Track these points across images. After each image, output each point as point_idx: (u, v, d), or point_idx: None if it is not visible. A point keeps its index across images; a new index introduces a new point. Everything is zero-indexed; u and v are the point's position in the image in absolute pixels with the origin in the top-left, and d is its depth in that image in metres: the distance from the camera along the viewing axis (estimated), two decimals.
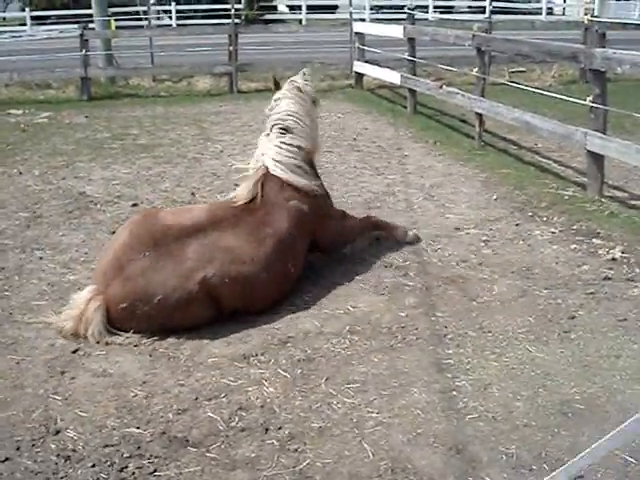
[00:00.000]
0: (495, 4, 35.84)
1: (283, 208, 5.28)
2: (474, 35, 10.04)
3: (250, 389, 4.07)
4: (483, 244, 6.29)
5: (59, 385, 4.14)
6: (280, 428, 3.70)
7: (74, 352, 4.50)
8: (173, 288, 4.61)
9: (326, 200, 5.90)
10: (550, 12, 47.33)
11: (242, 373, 4.24)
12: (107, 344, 4.58)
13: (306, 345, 4.53)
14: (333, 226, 5.81)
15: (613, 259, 5.89)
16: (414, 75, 12.79)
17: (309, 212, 5.43)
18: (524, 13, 43.61)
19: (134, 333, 4.63)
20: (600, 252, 6.05)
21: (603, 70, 7.27)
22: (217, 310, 4.81)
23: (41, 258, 6.07)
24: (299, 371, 4.24)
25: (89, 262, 5.92)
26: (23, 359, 4.43)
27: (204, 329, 4.73)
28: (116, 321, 4.65)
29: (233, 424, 3.74)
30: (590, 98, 7.46)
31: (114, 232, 6.52)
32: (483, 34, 10.07)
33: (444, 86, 11.35)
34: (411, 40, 12.75)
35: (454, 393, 4.00)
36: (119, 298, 4.61)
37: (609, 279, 5.51)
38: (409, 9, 13.44)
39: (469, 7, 44.13)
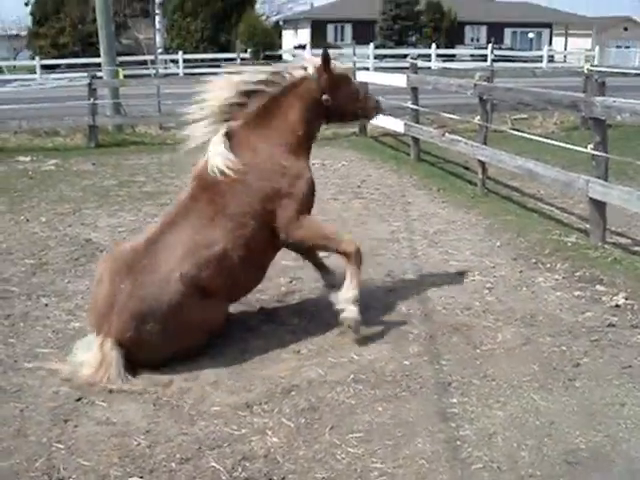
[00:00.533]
0: (497, 52, 36.41)
1: (229, 185, 5.17)
2: (476, 84, 10.18)
3: (253, 438, 4.05)
4: (487, 291, 6.31)
5: (62, 433, 4.13)
6: (284, 478, 3.68)
7: (78, 400, 4.49)
8: (160, 296, 4.74)
9: (296, 183, 5.35)
10: (551, 59, 47.93)
11: (245, 422, 4.22)
12: (111, 392, 4.58)
13: (310, 394, 4.52)
14: (296, 213, 5.33)
15: (617, 306, 5.89)
16: (417, 123, 12.95)
17: (262, 188, 5.23)
18: (525, 61, 44.14)
19: (155, 359, 4.82)
20: (604, 299, 6.06)
21: (603, 118, 7.36)
22: (212, 298, 4.97)
23: (47, 305, 6.09)
24: (303, 420, 4.23)
25: None
26: (27, 407, 4.42)
27: (207, 377, 4.73)
28: (132, 353, 4.75)
29: (236, 474, 3.72)
30: (591, 146, 7.54)
31: None
32: (485, 83, 10.21)
33: (446, 134, 11.47)
34: (414, 89, 12.93)
35: (458, 443, 3.98)
36: (122, 330, 4.70)
37: (613, 326, 5.51)
38: (412, 58, 13.64)
39: (471, 55, 44.73)
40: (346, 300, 5.19)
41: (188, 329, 4.86)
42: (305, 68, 5.48)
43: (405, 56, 16.67)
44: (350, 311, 5.18)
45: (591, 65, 10.12)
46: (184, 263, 4.84)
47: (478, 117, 10.32)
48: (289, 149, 5.35)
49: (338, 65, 5.63)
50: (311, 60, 5.62)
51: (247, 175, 5.16)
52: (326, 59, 5.40)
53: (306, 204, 5.38)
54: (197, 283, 4.85)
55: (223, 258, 4.97)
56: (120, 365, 4.68)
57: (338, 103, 5.53)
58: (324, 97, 5.42)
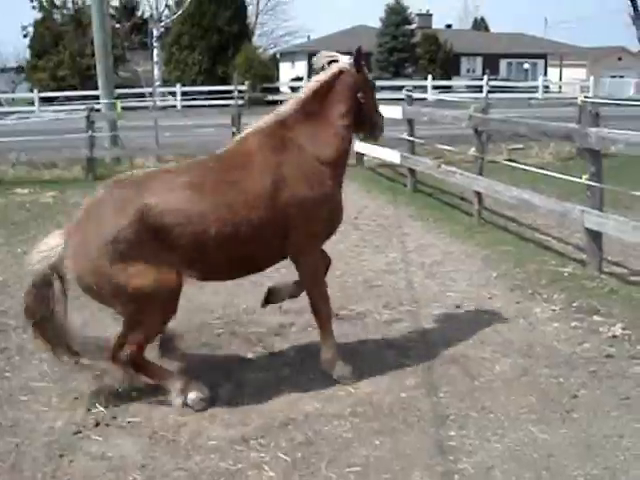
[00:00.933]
0: (492, 83, 36.73)
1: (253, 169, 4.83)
2: (471, 116, 10.26)
3: (250, 473, 4.02)
4: (484, 322, 6.30)
5: (57, 469, 4.10)
6: None
7: (74, 434, 4.47)
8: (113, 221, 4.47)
9: (322, 208, 5.01)
10: (547, 90, 48.34)
11: (242, 456, 4.20)
12: (107, 425, 4.56)
13: (307, 427, 4.50)
14: (306, 241, 5.04)
15: (614, 336, 5.89)
16: (413, 154, 13.01)
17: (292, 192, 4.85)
18: (521, 91, 44.49)
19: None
20: (601, 329, 6.05)
21: (598, 149, 7.41)
22: (172, 252, 4.55)
23: None
24: (299, 454, 4.20)
25: None
26: (22, 441, 4.40)
27: (204, 414, 4.71)
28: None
29: None
30: (586, 176, 7.58)
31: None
32: (480, 115, 10.29)
33: (442, 165, 11.53)
34: (410, 121, 13.02)
35: (456, 476, 3.96)
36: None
37: (611, 357, 5.51)
38: (407, 91, 13.75)
39: (467, 86, 45.10)
40: (329, 362, 5.14)
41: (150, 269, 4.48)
42: (340, 61, 5.28)
43: (401, 87, 16.76)
44: (340, 368, 5.12)
45: (585, 96, 10.19)
46: (148, 197, 4.53)
47: (474, 148, 10.38)
48: (327, 157, 5.03)
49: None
50: (344, 57, 5.35)
51: (275, 168, 4.82)
52: (360, 54, 5.22)
53: (327, 229, 5.20)
54: (152, 222, 4.48)
55: (197, 209, 4.57)
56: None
57: (367, 106, 5.30)
58: (359, 94, 5.20)
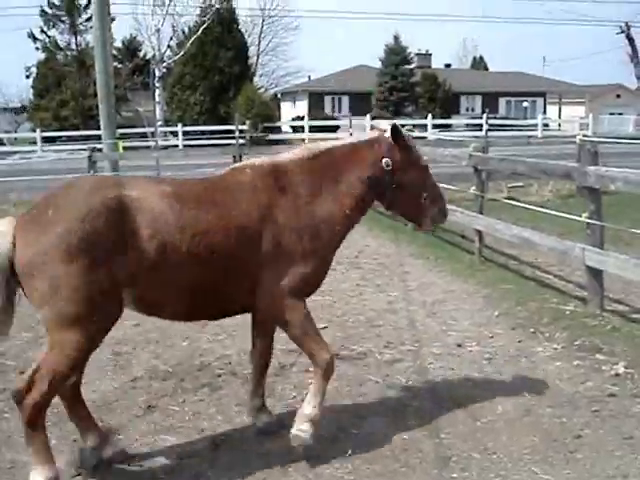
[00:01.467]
0: (491, 122, 36.96)
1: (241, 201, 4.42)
2: (471, 155, 10.32)
3: None
4: (486, 362, 6.27)
5: None
6: None
7: (73, 478, 4.43)
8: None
9: (302, 265, 4.51)
10: (546, 127, 48.66)
11: None
12: (106, 468, 4.52)
13: (308, 470, 4.46)
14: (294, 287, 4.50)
15: (617, 375, 5.86)
16: None
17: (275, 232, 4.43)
18: (520, 129, 44.82)
19: None
20: (603, 368, 6.02)
21: (597, 187, 7.44)
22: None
23: None
24: None
25: (89, 383, 5.88)
26: None
27: (204, 455, 4.67)
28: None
29: None
30: (586, 214, 7.60)
31: (116, 352, 6.58)
32: (479, 154, 10.35)
33: None
34: None
35: None
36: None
37: (614, 396, 5.47)
38: (407, 130, 13.81)
39: (467, 125, 45.41)
40: (303, 416, 4.52)
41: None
42: (376, 130, 4.98)
43: (402, 127, 16.84)
44: (302, 431, 4.48)
45: (584, 134, 10.29)
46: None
47: (474, 187, 10.43)
48: (330, 209, 4.64)
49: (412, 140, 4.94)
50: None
51: (266, 209, 4.44)
52: (396, 128, 4.77)
53: (312, 282, 4.70)
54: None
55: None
56: None
57: (399, 180, 4.77)
58: (384, 159, 4.71)
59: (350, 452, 4.67)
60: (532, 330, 7.07)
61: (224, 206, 4.34)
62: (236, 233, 4.29)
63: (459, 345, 6.70)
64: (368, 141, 4.82)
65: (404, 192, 4.82)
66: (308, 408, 4.52)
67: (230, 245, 4.26)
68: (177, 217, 4.14)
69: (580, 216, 7.79)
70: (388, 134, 4.77)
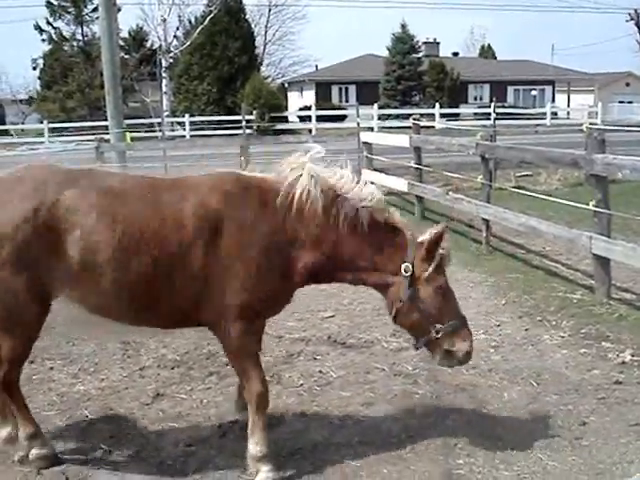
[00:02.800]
0: (499, 110, 36.84)
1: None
2: (478, 144, 10.30)
3: None
4: (492, 350, 6.29)
5: None
6: None
7: (83, 464, 4.46)
8: None
9: (253, 261, 4.04)
10: (555, 116, 48.45)
11: None
12: (117, 454, 4.56)
13: (315, 456, 4.49)
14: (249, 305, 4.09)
15: (623, 362, 5.87)
16: (421, 182, 13.05)
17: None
18: (529, 118, 44.60)
19: None
20: (610, 356, 6.03)
21: (604, 175, 7.43)
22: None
23: (51, 368, 6.10)
24: None
25: (99, 372, 5.95)
26: (31, 471, 4.38)
27: (212, 439, 4.71)
28: None
29: None
30: (593, 202, 7.59)
31: (125, 342, 6.62)
32: (486, 142, 10.34)
33: (450, 192, 11.56)
34: (417, 149, 13.09)
35: None
36: None
37: (620, 383, 5.49)
38: (414, 119, 13.82)
39: (475, 114, 45.24)
40: (253, 459, 4.20)
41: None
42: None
43: (409, 116, 16.87)
44: (264, 476, 4.16)
45: (591, 122, 10.28)
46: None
47: (481, 176, 10.42)
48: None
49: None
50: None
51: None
52: (440, 238, 4.26)
53: (266, 303, 4.22)
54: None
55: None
56: None
57: (418, 288, 4.22)
58: (404, 264, 4.17)
59: (357, 439, 4.70)
60: (539, 318, 7.08)
61: (167, 208, 4.04)
62: (176, 238, 3.97)
63: None
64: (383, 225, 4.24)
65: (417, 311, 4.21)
66: (253, 448, 4.19)
67: (168, 250, 3.97)
68: (113, 217, 3.95)
69: (587, 204, 7.79)
70: (426, 237, 4.23)
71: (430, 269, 4.21)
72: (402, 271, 4.16)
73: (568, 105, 58.19)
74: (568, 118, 50.31)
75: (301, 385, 5.61)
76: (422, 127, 14.45)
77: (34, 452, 4.38)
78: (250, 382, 4.20)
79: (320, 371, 5.84)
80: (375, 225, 4.22)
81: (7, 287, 3.97)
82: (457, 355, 4.26)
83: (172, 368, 6.02)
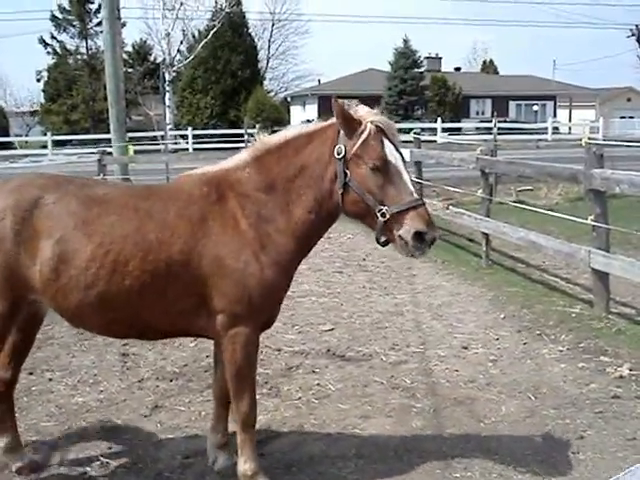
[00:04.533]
0: (501, 125, 36.91)
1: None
2: (478, 158, 10.35)
3: None
4: (491, 364, 6.30)
5: None
6: None
7: (80, 475, 4.48)
8: None
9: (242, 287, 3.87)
10: (556, 131, 48.52)
11: None
12: (113, 466, 4.57)
13: (311, 469, 4.49)
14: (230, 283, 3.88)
15: (621, 377, 5.88)
16: (421, 196, 13.05)
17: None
18: (530, 133, 44.68)
19: None
20: (608, 370, 6.04)
21: (602, 190, 7.46)
22: None
23: (50, 380, 6.11)
24: None
25: (98, 384, 5.97)
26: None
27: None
28: None
29: None
30: (592, 217, 7.62)
31: (124, 354, 6.65)
32: (486, 157, 10.38)
33: (450, 207, 11.59)
34: (417, 163, 13.15)
35: None
36: None
37: (617, 397, 5.49)
38: (415, 133, 13.89)
39: (477, 128, 45.29)
40: (246, 477, 4.14)
41: None
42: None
43: (411, 130, 16.94)
44: None
45: (588, 137, 10.34)
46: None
47: (480, 190, 10.45)
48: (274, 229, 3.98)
49: (370, 114, 3.91)
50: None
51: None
52: (338, 99, 3.90)
53: (261, 307, 4.00)
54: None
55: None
56: None
57: (352, 170, 3.84)
58: (337, 147, 3.87)
59: (354, 451, 4.71)
60: (538, 332, 7.09)
61: (147, 216, 3.93)
62: (156, 246, 3.85)
63: (464, 347, 6.72)
64: (327, 126, 4.03)
65: (354, 180, 3.84)
66: (243, 466, 4.12)
67: (149, 259, 3.84)
68: (89, 224, 3.88)
69: (586, 219, 7.81)
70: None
71: (358, 143, 3.81)
72: (335, 154, 3.89)
73: (570, 120, 58.31)
74: (570, 133, 50.41)
75: (299, 398, 5.61)
76: (423, 141, 14.50)
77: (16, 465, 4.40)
78: (241, 401, 4.05)
79: (318, 384, 5.85)
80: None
81: None
82: (409, 238, 3.74)
83: (171, 380, 6.03)
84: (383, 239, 3.92)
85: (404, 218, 3.76)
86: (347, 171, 3.84)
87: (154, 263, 3.84)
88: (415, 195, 3.84)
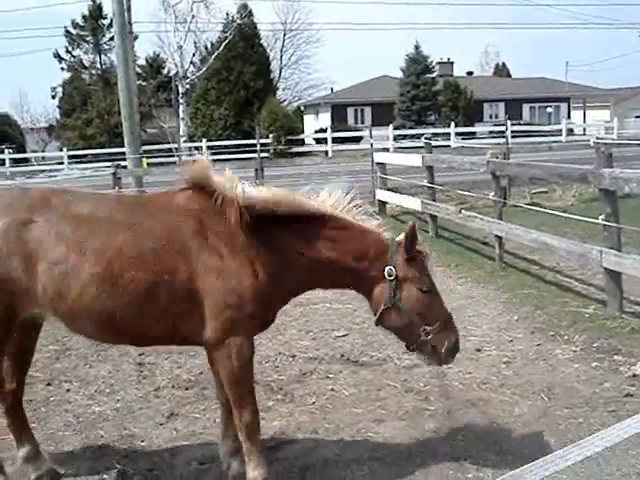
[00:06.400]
0: (515, 128, 36.88)
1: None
2: (488, 161, 10.37)
3: None
4: (504, 365, 6.32)
5: None
6: None
7: None
8: None
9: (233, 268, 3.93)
10: (571, 132, 48.33)
11: None
12: (130, 475, 4.63)
13: (325, 473, 4.54)
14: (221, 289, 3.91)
15: (634, 375, 5.88)
16: (434, 201, 13.12)
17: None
18: (544, 135, 44.53)
19: None
20: (621, 369, 6.04)
21: (612, 189, 7.47)
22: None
23: (68, 390, 6.19)
24: None
25: (114, 393, 6.04)
26: None
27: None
28: None
29: None
30: (602, 216, 7.62)
31: (140, 363, 6.73)
32: (497, 160, 10.40)
33: (463, 211, 11.61)
34: (429, 168, 13.17)
35: None
36: None
37: (631, 396, 5.50)
38: (426, 139, 13.92)
39: (490, 132, 45.22)
40: None
41: None
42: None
43: (422, 135, 16.99)
44: None
45: (597, 137, 10.36)
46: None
47: (492, 193, 10.47)
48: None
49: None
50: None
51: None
52: (414, 235, 4.21)
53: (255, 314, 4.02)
54: None
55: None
56: None
57: (402, 290, 4.14)
58: (388, 268, 4.14)
59: (368, 455, 4.74)
60: (551, 333, 7.09)
61: (137, 229, 3.98)
62: (148, 260, 3.89)
63: (478, 350, 6.74)
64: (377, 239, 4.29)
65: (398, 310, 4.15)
66: (252, 473, 4.12)
67: (141, 273, 3.87)
68: (79, 243, 3.90)
69: (597, 218, 7.82)
70: (401, 238, 4.23)
71: (413, 270, 4.13)
72: (385, 275, 4.10)
73: (584, 121, 58.07)
74: (584, 134, 50.18)
75: (313, 403, 5.66)
76: (435, 146, 14.54)
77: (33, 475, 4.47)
78: (244, 410, 4.07)
79: (332, 389, 5.90)
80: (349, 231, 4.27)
81: None
82: (445, 353, 4.23)
83: (186, 388, 6.10)
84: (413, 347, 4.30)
85: (442, 336, 4.20)
86: (397, 292, 4.08)
87: (147, 275, 3.87)
88: (446, 312, 4.28)
